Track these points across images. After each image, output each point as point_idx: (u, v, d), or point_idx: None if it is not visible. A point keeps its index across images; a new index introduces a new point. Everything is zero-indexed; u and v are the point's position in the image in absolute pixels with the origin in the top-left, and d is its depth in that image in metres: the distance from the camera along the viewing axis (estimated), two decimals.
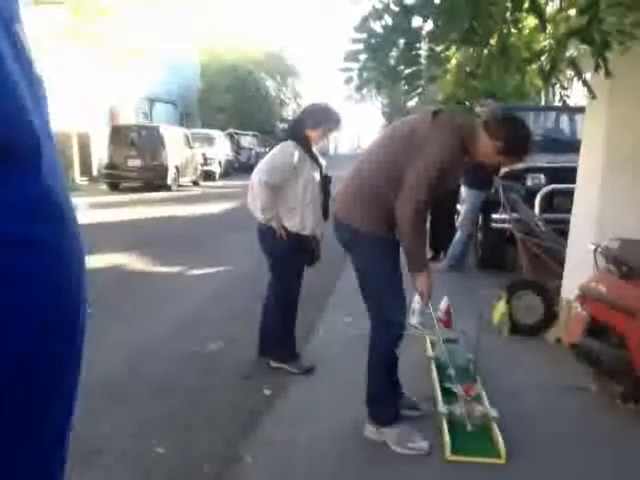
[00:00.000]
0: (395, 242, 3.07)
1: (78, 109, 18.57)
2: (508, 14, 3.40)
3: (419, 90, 2.97)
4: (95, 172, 20.25)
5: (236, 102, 33.42)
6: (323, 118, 3.98)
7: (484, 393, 3.56)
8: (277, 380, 3.94)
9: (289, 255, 3.96)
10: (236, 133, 27.69)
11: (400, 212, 2.94)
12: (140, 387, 3.78)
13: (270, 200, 3.86)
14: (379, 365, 3.20)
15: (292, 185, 3.90)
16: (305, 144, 3.94)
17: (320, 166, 4.04)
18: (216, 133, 24.64)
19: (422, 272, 3.06)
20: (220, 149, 23.83)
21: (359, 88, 2.86)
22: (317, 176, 4.00)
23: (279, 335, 4.12)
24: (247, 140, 28.83)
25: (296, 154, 3.88)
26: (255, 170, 3.97)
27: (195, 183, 20.46)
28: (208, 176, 21.83)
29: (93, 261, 7.40)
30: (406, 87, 2.98)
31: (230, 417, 3.42)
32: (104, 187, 18.04)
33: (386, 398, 3.26)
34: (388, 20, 2.66)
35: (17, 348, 0.56)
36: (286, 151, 3.91)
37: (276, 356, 4.14)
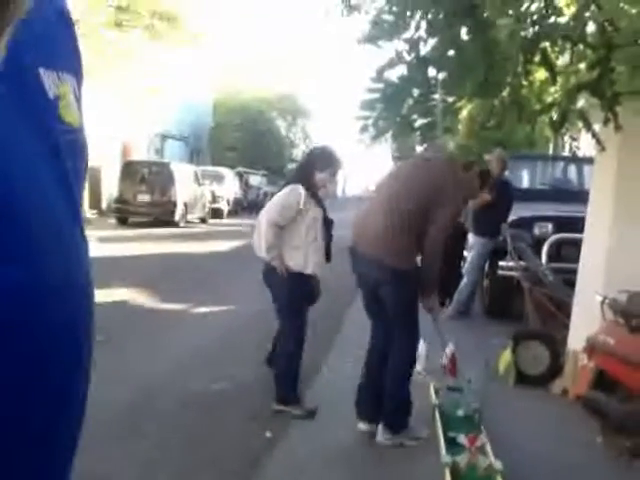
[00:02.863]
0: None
1: (91, 143, 18.67)
2: (519, 67, 3.47)
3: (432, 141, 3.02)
4: (104, 206, 20.41)
5: (246, 141, 33.79)
6: (330, 162, 4.18)
7: (489, 444, 3.51)
8: (279, 422, 3.90)
9: (294, 294, 4.06)
10: (245, 172, 27.91)
11: (431, 242, 3.52)
12: (144, 425, 3.75)
13: (275, 240, 3.99)
14: (405, 370, 3.67)
15: (297, 225, 4.04)
16: (311, 186, 4.10)
17: (323, 208, 4.18)
18: (225, 171, 24.84)
19: (434, 293, 3.82)
20: (229, 187, 24.01)
21: (375, 137, 2.91)
22: (320, 217, 4.14)
23: (283, 376, 4.12)
24: (256, 179, 29.04)
25: (302, 196, 4.02)
26: (263, 210, 4.12)
27: (203, 220, 20.54)
28: (216, 214, 21.93)
29: (100, 295, 7.37)
30: (420, 137, 3.04)
31: (231, 459, 3.38)
32: (113, 221, 18.15)
33: (410, 402, 3.71)
34: (404, 70, 2.72)
35: None
36: (295, 192, 4.06)
37: (279, 398, 4.11)
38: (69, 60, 0.70)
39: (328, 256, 4.26)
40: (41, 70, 0.64)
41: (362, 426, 3.75)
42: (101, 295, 7.33)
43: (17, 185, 0.57)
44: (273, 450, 3.53)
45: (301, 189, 4.05)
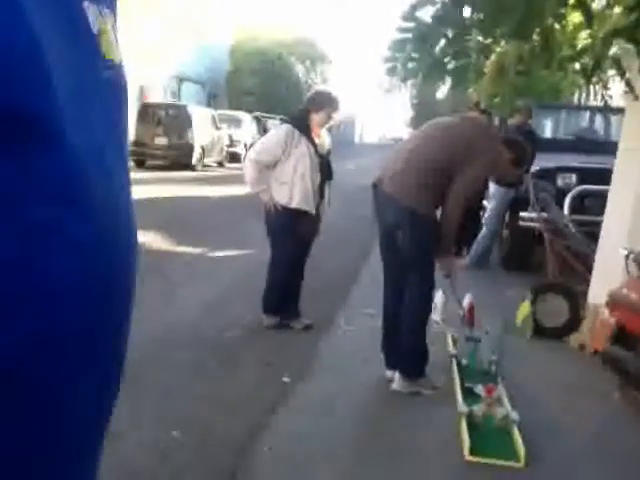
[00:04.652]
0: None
1: None
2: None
3: (466, 84, 2.90)
4: None
5: (264, 85, 33.31)
6: (326, 102, 4.43)
7: (505, 395, 3.51)
8: (296, 368, 3.91)
9: (281, 227, 4.44)
10: (263, 116, 27.63)
11: (451, 201, 3.47)
12: (160, 372, 3.76)
13: (257, 176, 4.39)
14: (421, 317, 3.64)
15: (285, 162, 4.35)
16: (304, 126, 4.39)
17: (315, 146, 4.42)
18: (243, 115, 24.58)
19: (451, 254, 3.82)
20: (246, 131, 23.80)
21: (404, 79, 2.80)
22: (308, 155, 4.37)
23: (278, 296, 4.58)
24: (274, 124, 28.72)
25: (288, 135, 4.34)
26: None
27: (220, 164, 20.45)
28: (233, 158, 21.80)
29: None
30: (453, 81, 2.93)
31: (249, 405, 3.40)
32: (130, 164, 18.03)
33: (426, 350, 3.70)
34: (437, 9, 2.59)
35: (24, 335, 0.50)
36: (278, 132, 4.48)
37: (277, 313, 4.61)
38: None
39: (322, 193, 4.57)
40: (85, 3, 0.61)
41: (388, 373, 3.77)
42: None
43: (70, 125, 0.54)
44: (290, 396, 3.54)
45: (287, 128, 4.40)
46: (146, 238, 7.72)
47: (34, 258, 0.50)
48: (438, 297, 4.75)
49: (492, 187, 7.18)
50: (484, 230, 7.26)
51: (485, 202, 7.63)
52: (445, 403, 3.50)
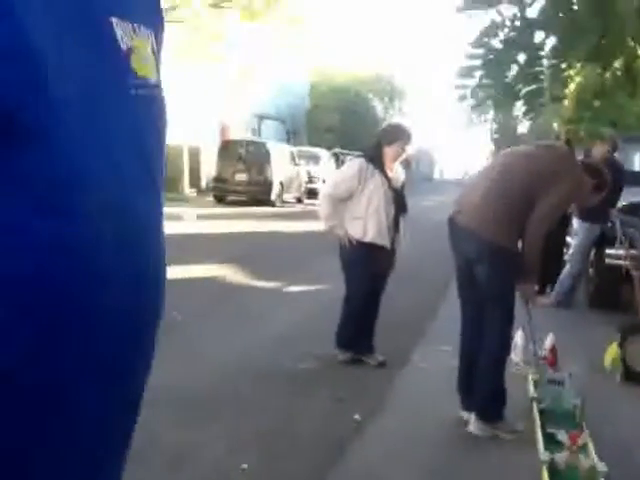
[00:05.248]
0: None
1: (190, 124, 19.28)
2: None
3: (538, 110, 2.80)
4: (203, 184, 20.93)
5: (343, 122, 33.71)
6: (398, 136, 4.45)
7: (592, 444, 3.28)
8: (368, 405, 3.81)
9: (355, 261, 4.40)
10: (341, 152, 27.87)
11: (532, 231, 3.38)
12: (231, 403, 3.75)
13: (331, 210, 4.42)
14: (499, 356, 3.51)
15: (358, 196, 4.35)
16: (377, 160, 4.39)
17: (388, 180, 4.39)
18: (322, 152, 24.88)
19: (533, 282, 3.77)
20: (325, 168, 24.04)
21: (475, 106, 2.73)
22: (382, 188, 4.35)
23: (352, 330, 4.50)
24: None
25: (361, 169, 4.35)
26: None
27: (299, 200, 20.69)
28: (312, 194, 22.01)
29: (193, 271, 7.56)
30: (525, 106, 2.82)
31: (318, 441, 3.32)
32: (211, 199, 18.59)
33: (504, 391, 3.54)
34: (508, 35, 2.51)
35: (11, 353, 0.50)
36: (351, 166, 4.53)
37: (350, 348, 4.52)
38: (149, 15, 0.68)
39: (397, 227, 4.51)
40: (114, 19, 0.61)
41: (464, 415, 3.61)
42: (195, 271, 7.50)
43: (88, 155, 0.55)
44: (361, 434, 3.44)
45: (360, 162, 4.41)
46: (224, 271, 7.85)
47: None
48: (518, 336, 4.55)
49: (576, 223, 6.90)
50: (568, 267, 6.96)
51: (569, 239, 7.33)
52: (525, 449, 3.30)
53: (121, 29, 0.61)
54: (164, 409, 3.45)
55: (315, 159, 23.53)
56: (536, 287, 3.75)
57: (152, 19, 0.69)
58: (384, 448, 3.29)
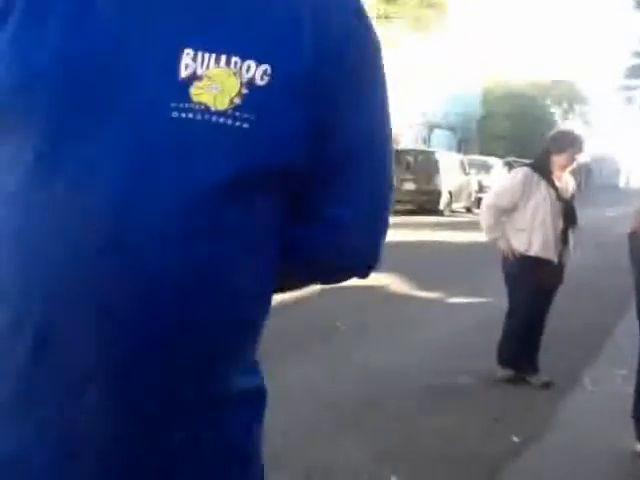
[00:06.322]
0: None
1: None
2: None
3: None
4: None
5: (517, 130, 32.51)
6: (568, 144, 4.21)
7: None
8: (528, 427, 3.59)
9: (519, 275, 4.21)
10: (515, 161, 26.87)
11: None
12: (379, 413, 3.70)
13: (493, 222, 4.29)
14: None
15: (523, 207, 4.16)
16: (544, 169, 4.18)
17: (556, 190, 4.17)
18: (494, 161, 24.17)
19: None
20: (497, 177, 23.31)
21: None
22: (549, 199, 4.14)
23: (514, 347, 4.28)
24: None
25: (526, 179, 4.15)
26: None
27: (468, 210, 20.26)
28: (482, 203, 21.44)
29: (355, 279, 7.60)
30: None
31: (471, 460, 3.18)
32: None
33: None
34: None
35: None
36: (515, 176, 4.32)
37: (512, 365, 4.28)
38: (257, 46, 0.71)
39: (565, 240, 4.27)
40: (185, 49, 0.68)
41: (638, 447, 3.28)
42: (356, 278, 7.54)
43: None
44: (518, 457, 3.25)
45: (525, 172, 4.22)
46: (386, 279, 7.83)
47: None
48: None
49: None
50: None
51: None
52: None
53: (191, 57, 0.68)
54: (310, 415, 3.50)
55: (486, 168, 22.93)
56: None
57: (267, 50, 0.71)
58: (543, 475, 3.08)
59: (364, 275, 0.94)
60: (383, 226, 0.91)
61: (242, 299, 0.74)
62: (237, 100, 0.69)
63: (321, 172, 0.78)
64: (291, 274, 0.84)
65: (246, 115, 0.69)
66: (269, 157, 0.71)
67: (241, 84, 0.69)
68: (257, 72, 0.69)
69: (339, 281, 0.95)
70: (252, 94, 0.69)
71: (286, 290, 0.91)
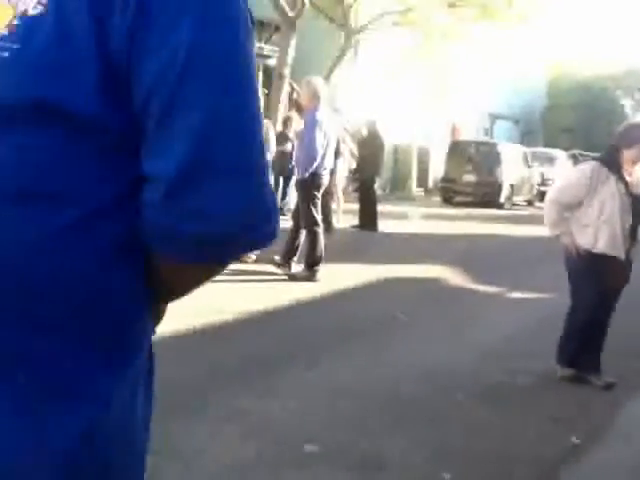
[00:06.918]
0: None
1: (420, 124, 19.38)
2: None
3: None
4: (431, 184, 20.90)
5: (584, 121, 31.51)
6: (638, 138, 4.04)
7: None
8: (588, 429, 3.48)
9: (583, 272, 4.07)
10: (580, 154, 26.03)
11: None
12: (434, 410, 3.63)
13: (556, 217, 4.16)
14: None
15: (588, 203, 4.02)
16: (613, 164, 4.03)
17: (626, 185, 4.03)
18: (559, 153, 23.46)
19: None
20: (560, 170, 22.65)
21: None
22: (618, 195, 3.99)
23: (576, 346, 4.16)
24: None
25: (593, 173, 3.99)
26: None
27: (530, 203, 19.81)
28: (544, 197, 20.85)
29: (414, 271, 7.55)
30: None
31: (530, 461, 3.10)
32: (438, 199, 18.51)
33: None
34: None
35: None
36: (580, 171, 4.22)
37: (574, 365, 4.15)
38: None
39: (634, 237, 4.15)
40: None
41: None
42: (416, 271, 7.46)
43: None
44: (578, 459, 3.15)
45: (593, 166, 4.06)
46: (446, 272, 7.73)
47: None
48: None
49: None
50: None
51: None
52: None
53: None
54: (363, 410, 3.47)
55: (550, 161, 22.26)
56: None
57: None
58: (601, 478, 2.98)
59: (259, 241, 0.74)
60: (249, 173, 0.70)
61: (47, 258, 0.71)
62: (4, 30, 0.67)
63: (135, 117, 0.69)
64: (162, 258, 0.74)
65: (9, 45, 0.66)
66: (28, 88, 0.66)
67: (14, 16, 0.67)
68: (32, 1, 0.68)
69: (232, 256, 0.77)
70: (23, 24, 0.67)
71: (186, 287, 0.81)
